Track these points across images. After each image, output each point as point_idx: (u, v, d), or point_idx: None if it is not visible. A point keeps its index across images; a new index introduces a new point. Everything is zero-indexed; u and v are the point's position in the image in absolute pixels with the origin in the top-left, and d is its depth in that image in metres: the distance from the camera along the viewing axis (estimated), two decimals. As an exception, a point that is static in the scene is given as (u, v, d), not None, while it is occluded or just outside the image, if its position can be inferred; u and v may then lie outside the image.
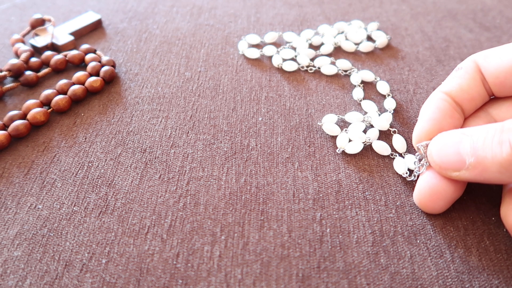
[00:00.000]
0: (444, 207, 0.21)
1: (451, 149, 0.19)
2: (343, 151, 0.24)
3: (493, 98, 0.22)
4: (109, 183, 0.23)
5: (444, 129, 0.21)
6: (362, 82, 0.29)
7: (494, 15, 0.36)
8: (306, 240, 0.20)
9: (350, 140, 0.25)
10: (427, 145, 0.21)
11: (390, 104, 0.27)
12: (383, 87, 0.28)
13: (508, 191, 0.19)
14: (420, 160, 0.22)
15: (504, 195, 0.20)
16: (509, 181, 0.17)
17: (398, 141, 0.24)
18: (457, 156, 0.18)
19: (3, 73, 0.29)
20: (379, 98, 0.28)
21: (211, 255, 0.20)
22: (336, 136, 0.25)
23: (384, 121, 0.25)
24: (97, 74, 0.30)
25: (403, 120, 0.26)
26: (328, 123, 0.25)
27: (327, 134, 0.25)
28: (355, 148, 0.24)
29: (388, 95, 0.28)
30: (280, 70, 0.30)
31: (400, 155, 0.24)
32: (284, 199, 0.22)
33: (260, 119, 0.27)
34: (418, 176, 0.22)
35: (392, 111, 0.26)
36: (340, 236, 0.20)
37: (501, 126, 0.17)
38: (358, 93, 0.28)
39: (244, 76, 0.30)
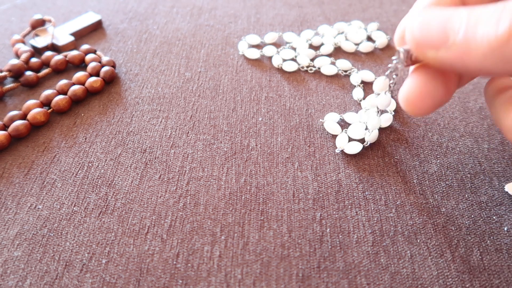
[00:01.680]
0: (431, 107, 0.18)
1: (436, 24, 0.16)
2: (342, 151, 0.24)
3: None
4: (109, 183, 0.23)
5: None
6: (362, 82, 0.29)
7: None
8: (306, 240, 0.20)
9: (349, 140, 0.25)
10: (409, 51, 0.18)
11: (390, 104, 0.27)
12: (367, 75, 0.28)
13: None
14: (394, 70, 0.20)
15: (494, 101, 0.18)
16: (489, 69, 0.15)
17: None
18: (441, 32, 0.16)
19: (4, 73, 0.29)
20: (379, 98, 0.28)
21: (211, 255, 0.20)
22: (337, 135, 0.25)
23: (384, 122, 0.25)
24: (97, 75, 0.30)
25: (403, 120, 0.26)
26: (330, 121, 0.25)
27: (327, 134, 0.25)
28: (354, 148, 0.24)
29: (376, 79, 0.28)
30: (280, 70, 0.30)
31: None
32: (284, 199, 0.22)
33: (260, 119, 0.27)
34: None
35: (393, 112, 0.26)
36: (340, 236, 0.20)
37: (503, 5, 0.15)
38: (358, 93, 0.28)
39: (244, 76, 0.30)
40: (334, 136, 0.25)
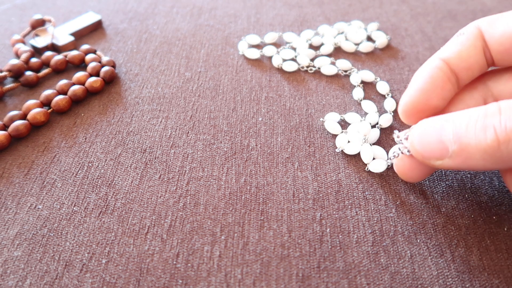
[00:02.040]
0: (422, 177, 0.21)
1: (433, 137, 0.18)
2: (342, 151, 0.24)
3: (491, 70, 0.21)
4: (109, 183, 0.23)
5: (432, 101, 0.20)
6: (362, 82, 0.29)
7: (494, 15, 0.36)
8: (306, 240, 0.20)
9: (349, 141, 0.25)
10: (406, 138, 0.20)
11: (390, 104, 0.27)
12: (383, 87, 0.28)
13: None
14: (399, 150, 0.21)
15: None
16: (493, 167, 0.17)
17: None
18: (439, 144, 0.17)
19: (4, 73, 0.29)
20: (379, 98, 0.28)
21: (211, 255, 0.20)
22: (337, 134, 0.25)
23: (384, 122, 0.25)
24: (97, 75, 0.30)
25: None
26: (330, 121, 0.25)
27: (327, 134, 0.25)
28: (354, 149, 0.24)
29: (388, 94, 0.28)
30: (280, 70, 0.30)
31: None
32: (284, 199, 0.22)
33: (260, 119, 0.27)
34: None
35: (392, 113, 0.26)
36: (340, 236, 0.20)
37: (485, 110, 0.16)
38: (358, 93, 0.28)
39: (244, 76, 0.30)
40: (334, 136, 0.25)
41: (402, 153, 0.20)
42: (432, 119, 0.18)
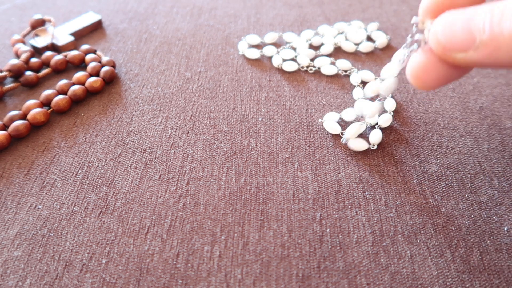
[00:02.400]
0: (438, 83, 0.19)
1: (461, 26, 0.16)
2: (346, 145, 0.24)
3: None
4: (109, 183, 0.23)
5: (458, 2, 0.18)
6: (362, 82, 0.29)
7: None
8: (306, 240, 0.20)
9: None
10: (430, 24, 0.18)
11: (390, 104, 0.27)
12: (368, 75, 0.28)
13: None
14: (411, 44, 0.19)
15: None
16: None
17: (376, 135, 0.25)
18: (466, 34, 0.16)
19: (4, 73, 0.29)
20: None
21: (211, 255, 0.20)
22: (337, 134, 0.25)
23: (384, 122, 0.25)
24: (97, 75, 0.30)
25: (403, 120, 0.26)
26: (329, 121, 0.25)
27: (327, 134, 0.25)
28: (359, 145, 0.24)
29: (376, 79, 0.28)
30: (280, 70, 0.30)
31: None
32: (284, 199, 0.22)
33: (260, 119, 0.27)
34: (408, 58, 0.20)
35: (392, 113, 0.26)
36: (340, 236, 0.20)
37: None
38: (358, 93, 0.28)
39: (244, 76, 0.30)
40: (334, 136, 0.25)
41: (420, 43, 0.18)
42: (461, 9, 0.17)
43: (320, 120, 0.26)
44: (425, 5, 0.18)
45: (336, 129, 0.25)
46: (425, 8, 0.18)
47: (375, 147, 0.24)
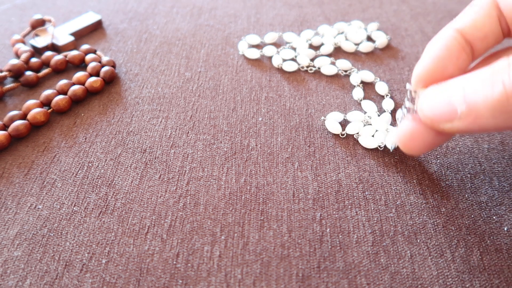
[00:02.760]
0: (424, 149, 0.20)
1: (442, 100, 0.17)
2: (347, 143, 0.24)
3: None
4: (109, 183, 0.23)
5: (448, 70, 0.19)
6: (362, 82, 0.29)
7: (494, 15, 0.36)
8: (306, 240, 0.20)
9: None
10: (413, 99, 0.20)
11: (388, 105, 0.27)
12: (381, 88, 0.28)
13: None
14: (407, 108, 0.21)
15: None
16: (504, 125, 0.16)
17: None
18: (448, 106, 0.17)
19: (4, 73, 0.29)
20: (379, 98, 0.28)
21: (211, 255, 0.20)
22: (337, 134, 0.25)
23: (383, 122, 0.25)
24: (97, 75, 0.30)
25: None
26: (331, 120, 0.25)
27: (327, 134, 0.25)
28: (370, 143, 0.24)
29: (387, 95, 0.28)
30: (280, 70, 0.30)
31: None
32: (284, 199, 0.22)
33: (260, 119, 0.27)
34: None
35: (390, 111, 0.26)
36: (340, 236, 0.20)
37: (492, 67, 0.16)
38: (358, 93, 0.28)
39: (244, 76, 0.30)
40: (334, 136, 0.25)
41: (410, 111, 0.20)
42: (441, 84, 0.18)
43: (322, 117, 0.26)
44: (417, 75, 0.20)
45: (337, 129, 0.25)
46: (416, 78, 0.20)
47: (382, 146, 0.24)
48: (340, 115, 0.26)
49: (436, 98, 0.18)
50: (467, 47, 0.20)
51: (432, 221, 0.21)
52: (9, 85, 0.29)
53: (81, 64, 0.31)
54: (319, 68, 0.30)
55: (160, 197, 0.22)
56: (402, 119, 0.21)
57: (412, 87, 0.20)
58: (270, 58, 0.31)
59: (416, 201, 0.22)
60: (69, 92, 0.28)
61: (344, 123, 0.26)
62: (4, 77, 0.29)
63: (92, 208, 0.22)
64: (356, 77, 0.29)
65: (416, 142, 0.20)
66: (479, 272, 0.19)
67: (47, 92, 0.28)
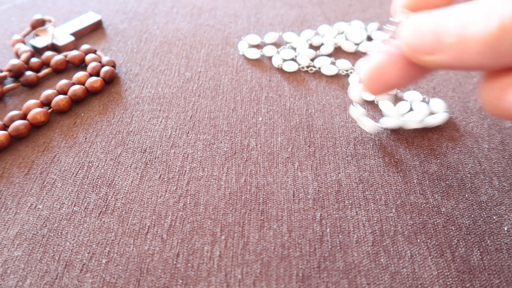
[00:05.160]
0: (384, 90, 0.19)
1: (428, 28, 0.16)
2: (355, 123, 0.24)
3: None
4: (109, 183, 0.23)
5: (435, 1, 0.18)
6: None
7: (494, 15, 0.36)
8: (306, 240, 0.20)
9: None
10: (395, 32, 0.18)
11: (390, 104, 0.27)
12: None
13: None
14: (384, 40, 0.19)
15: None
16: (488, 63, 0.15)
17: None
18: (434, 36, 0.16)
19: (4, 73, 0.29)
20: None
21: (211, 255, 0.20)
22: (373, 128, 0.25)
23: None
24: (97, 75, 0.30)
25: (403, 120, 0.26)
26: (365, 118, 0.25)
27: (327, 134, 0.25)
28: (370, 125, 0.24)
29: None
30: (280, 70, 0.30)
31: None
32: (284, 199, 0.22)
33: (260, 119, 0.27)
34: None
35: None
36: (340, 236, 0.20)
37: (491, 0, 0.15)
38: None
39: (244, 76, 0.30)
40: (334, 136, 0.25)
41: (386, 43, 0.19)
42: (429, 11, 0.17)
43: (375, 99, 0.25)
44: (401, 2, 0.18)
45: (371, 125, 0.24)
46: (401, 2, 0.18)
47: (382, 128, 0.24)
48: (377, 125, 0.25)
49: (422, 26, 0.17)
50: None
51: (432, 221, 0.21)
52: (9, 85, 0.29)
53: (81, 64, 0.32)
54: (319, 68, 0.30)
55: (160, 197, 0.22)
56: (373, 52, 0.19)
57: (396, 11, 0.19)
58: (270, 58, 0.31)
59: (416, 201, 0.22)
60: (69, 92, 0.28)
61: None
62: (4, 77, 0.29)
63: (92, 208, 0.22)
64: (353, 77, 0.29)
65: (384, 77, 0.19)
66: (479, 272, 0.19)
67: (47, 92, 0.28)
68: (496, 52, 0.15)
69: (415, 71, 0.18)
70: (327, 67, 0.30)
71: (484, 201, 0.22)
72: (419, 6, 0.18)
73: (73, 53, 0.31)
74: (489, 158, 0.24)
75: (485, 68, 0.16)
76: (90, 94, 0.29)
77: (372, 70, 0.19)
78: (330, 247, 0.20)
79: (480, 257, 0.20)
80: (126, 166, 0.24)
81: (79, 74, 0.29)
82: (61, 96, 0.27)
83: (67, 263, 0.20)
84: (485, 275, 0.19)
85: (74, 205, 0.22)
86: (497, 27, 0.14)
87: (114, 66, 0.30)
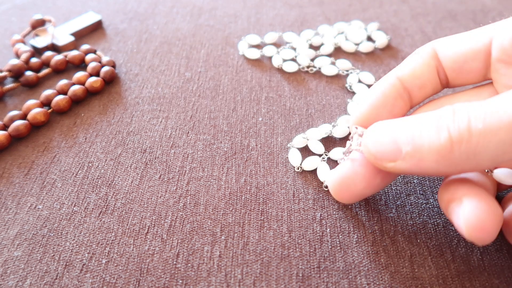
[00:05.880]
0: (352, 199, 0.20)
1: (387, 138, 0.17)
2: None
3: (451, 94, 0.22)
4: (109, 183, 0.23)
5: (381, 117, 0.20)
6: (359, 81, 0.29)
7: (494, 16, 0.36)
8: (306, 240, 0.20)
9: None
10: (362, 133, 0.19)
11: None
12: (367, 77, 0.29)
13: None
14: (349, 149, 0.20)
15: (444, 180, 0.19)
16: (445, 171, 0.16)
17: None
18: (393, 145, 0.17)
19: (4, 73, 0.29)
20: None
21: (211, 255, 0.20)
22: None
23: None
24: (97, 75, 0.30)
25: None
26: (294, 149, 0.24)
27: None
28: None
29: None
30: (280, 70, 0.30)
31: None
32: (284, 199, 0.22)
33: (260, 119, 0.27)
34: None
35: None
36: (340, 236, 0.20)
37: (439, 112, 0.16)
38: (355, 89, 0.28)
39: (244, 76, 0.30)
40: (334, 136, 0.25)
41: (353, 150, 0.20)
42: (387, 121, 0.18)
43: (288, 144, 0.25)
44: (353, 119, 0.20)
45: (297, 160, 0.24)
46: (353, 122, 0.20)
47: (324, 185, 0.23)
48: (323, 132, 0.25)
49: (382, 135, 0.18)
50: (405, 94, 0.20)
51: (432, 221, 0.21)
52: (9, 85, 0.29)
53: (81, 64, 0.32)
54: (319, 68, 0.30)
55: (160, 197, 0.22)
56: (340, 162, 0.21)
57: (351, 128, 0.20)
58: (270, 58, 0.31)
59: (416, 201, 0.22)
60: (69, 92, 0.28)
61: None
62: (4, 77, 0.29)
63: (92, 208, 0.22)
64: (351, 78, 0.29)
65: (349, 188, 0.20)
66: (479, 272, 0.19)
67: (47, 92, 0.28)
68: (450, 161, 0.16)
69: (381, 179, 0.20)
70: (327, 67, 0.30)
71: (484, 201, 0.22)
72: (369, 123, 0.19)
73: (73, 53, 0.31)
74: (489, 158, 0.24)
75: (444, 174, 0.18)
76: (90, 94, 0.29)
77: (339, 182, 0.20)
78: (330, 247, 0.20)
79: (480, 257, 0.20)
80: (126, 166, 0.24)
81: (79, 74, 0.29)
82: (61, 96, 0.27)
83: (67, 263, 0.20)
84: (485, 275, 0.19)
85: (74, 205, 0.22)
86: (447, 140, 0.16)
87: (114, 66, 0.30)
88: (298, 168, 0.23)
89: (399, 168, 0.17)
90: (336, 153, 0.24)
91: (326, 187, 0.22)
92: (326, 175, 0.23)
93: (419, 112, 0.21)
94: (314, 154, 0.24)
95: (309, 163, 0.23)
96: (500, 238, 0.20)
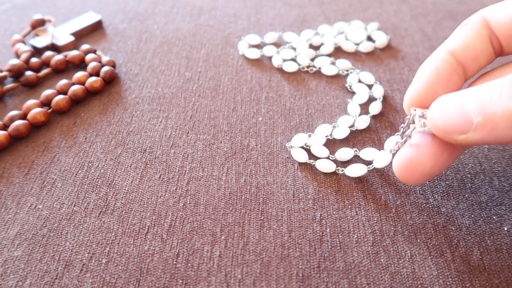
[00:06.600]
0: (420, 180, 0.19)
1: (456, 111, 0.17)
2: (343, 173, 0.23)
3: (503, 64, 0.21)
4: (109, 183, 0.23)
5: (437, 95, 0.19)
6: (359, 81, 0.29)
7: (494, 15, 0.36)
8: (306, 240, 0.20)
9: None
10: (423, 114, 0.19)
11: (379, 92, 0.27)
12: (367, 77, 0.29)
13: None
14: (404, 132, 0.20)
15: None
16: None
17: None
18: (463, 117, 0.17)
19: (4, 73, 0.29)
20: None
21: (211, 255, 0.20)
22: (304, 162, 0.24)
23: (375, 110, 0.26)
24: (97, 75, 0.30)
25: (403, 121, 0.26)
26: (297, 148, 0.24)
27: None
28: (358, 171, 0.23)
29: (376, 82, 0.28)
30: (280, 70, 0.30)
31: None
32: (284, 199, 0.22)
33: (260, 119, 0.27)
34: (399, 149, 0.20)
35: (381, 98, 0.27)
36: (340, 236, 0.20)
37: (509, 79, 0.16)
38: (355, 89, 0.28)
39: (244, 76, 0.30)
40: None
41: (407, 136, 0.19)
42: (452, 94, 0.18)
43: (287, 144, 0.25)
44: (408, 98, 0.20)
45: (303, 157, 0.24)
46: (408, 101, 0.20)
47: (343, 171, 0.23)
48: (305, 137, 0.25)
49: (449, 108, 0.17)
50: (459, 68, 0.20)
51: (432, 221, 0.21)
52: (9, 85, 0.29)
53: (81, 64, 0.32)
54: (319, 68, 0.30)
55: (160, 197, 0.22)
56: (397, 147, 0.20)
57: (406, 110, 0.20)
58: (270, 58, 0.31)
59: (416, 201, 0.22)
60: (69, 92, 0.28)
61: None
62: (4, 77, 0.29)
63: (92, 208, 0.22)
64: (351, 78, 0.29)
65: (416, 169, 0.19)
66: (479, 272, 0.19)
67: (47, 92, 0.28)
68: None
69: (448, 155, 0.19)
70: (327, 67, 0.30)
71: (484, 201, 0.22)
72: (425, 102, 0.19)
73: (73, 53, 0.31)
74: (489, 158, 0.24)
75: None
76: (90, 94, 0.29)
77: (406, 164, 0.19)
78: (330, 247, 0.20)
79: (480, 257, 0.20)
80: (126, 166, 0.24)
81: (79, 74, 0.29)
82: (61, 96, 0.27)
83: (67, 263, 0.20)
84: (485, 275, 0.19)
85: (74, 205, 0.22)
86: None
87: (114, 66, 0.30)
88: (341, 171, 0.23)
89: (471, 139, 0.17)
90: (391, 142, 0.23)
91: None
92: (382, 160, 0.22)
93: (475, 85, 0.20)
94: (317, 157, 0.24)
95: (354, 170, 0.23)
96: (500, 237, 0.20)
